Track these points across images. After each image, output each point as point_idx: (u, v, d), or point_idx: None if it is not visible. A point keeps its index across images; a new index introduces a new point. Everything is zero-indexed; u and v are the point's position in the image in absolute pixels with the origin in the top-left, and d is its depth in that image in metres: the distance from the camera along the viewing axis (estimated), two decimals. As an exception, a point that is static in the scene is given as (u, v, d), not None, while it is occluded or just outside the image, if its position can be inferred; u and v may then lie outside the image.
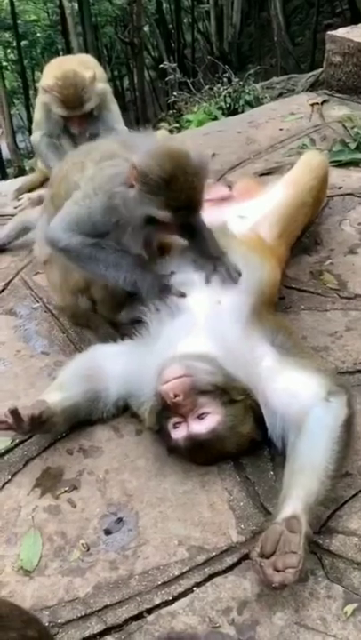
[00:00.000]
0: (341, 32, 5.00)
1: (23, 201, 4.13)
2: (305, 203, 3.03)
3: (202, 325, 2.39)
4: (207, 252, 2.53)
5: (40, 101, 3.93)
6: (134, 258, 2.53)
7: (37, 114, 4.00)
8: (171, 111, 9.99)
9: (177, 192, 2.22)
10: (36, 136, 3.98)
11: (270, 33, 19.43)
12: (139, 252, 2.56)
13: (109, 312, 2.76)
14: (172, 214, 2.27)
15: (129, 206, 2.32)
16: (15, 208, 4.09)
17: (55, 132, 3.90)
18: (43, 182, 4.28)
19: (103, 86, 3.92)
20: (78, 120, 3.75)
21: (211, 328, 2.38)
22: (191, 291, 2.49)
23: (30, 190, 4.27)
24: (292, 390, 2.15)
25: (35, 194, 4.14)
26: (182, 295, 2.45)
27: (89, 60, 4.13)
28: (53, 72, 3.74)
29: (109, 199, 2.36)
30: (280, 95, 8.58)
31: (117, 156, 2.43)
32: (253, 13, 22.22)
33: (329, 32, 5.10)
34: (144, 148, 2.30)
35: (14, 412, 2.15)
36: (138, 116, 21.74)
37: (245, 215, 2.92)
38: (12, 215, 3.95)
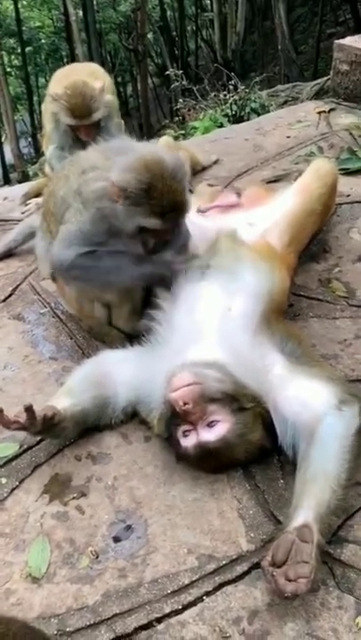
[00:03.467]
0: (349, 41, 5.02)
1: (30, 206, 4.13)
2: (314, 210, 3.02)
3: (212, 332, 2.38)
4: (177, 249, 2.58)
5: (49, 111, 3.93)
6: (130, 255, 2.55)
7: (47, 125, 4.00)
8: (176, 118, 10.03)
9: (158, 198, 2.29)
10: (50, 149, 3.98)
11: (273, 41, 19.54)
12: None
13: (125, 322, 2.74)
14: (160, 220, 2.34)
15: (120, 220, 2.38)
16: (22, 213, 4.10)
17: (67, 143, 3.90)
18: (49, 187, 4.27)
19: (112, 98, 3.93)
20: (86, 129, 3.75)
21: (221, 335, 2.37)
22: (201, 298, 2.48)
23: (37, 195, 4.26)
24: (303, 398, 2.14)
25: (42, 199, 4.14)
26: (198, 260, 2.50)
27: (98, 69, 4.14)
28: (62, 81, 3.74)
29: (98, 212, 2.42)
30: (285, 103, 8.62)
31: (98, 168, 2.46)
32: (257, 22, 22.35)
33: (337, 41, 5.12)
34: (121, 163, 2.35)
35: (29, 410, 2.14)
36: (141, 123, 21.84)
37: (255, 222, 2.92)
38: (20, 220, 3.95)
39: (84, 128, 3.75)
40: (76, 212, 2.50)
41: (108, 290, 2.67)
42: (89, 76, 3.81)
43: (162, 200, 2.29)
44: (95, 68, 4.27)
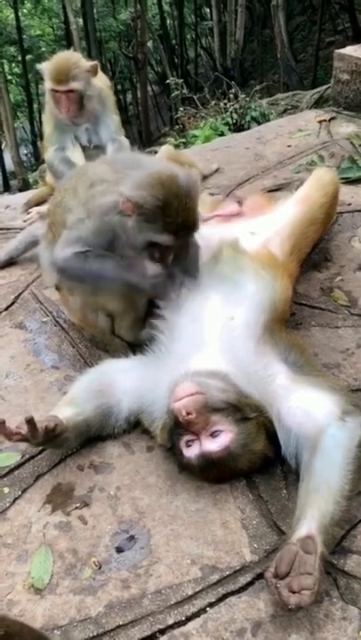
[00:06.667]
0: (349, 50, 5.05)
1: (32, 214, 4.14)
2: (316, 219, 3.03)
3: (214, 341, 2.39)
4: (182, 268, 2.56)
5: (48, 110, 3.97)
6: (122, 259, 2.52)
7: (47, 127, 4.04)
8: (176, 126, 10.06)
9: (173, 216, 2.29)
10: (50, 152, 4.00)
11: (273, 50, 19.66)
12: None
13: (127, 332, 2.74)
14: (172, 237, 2.34)
15: (129, 234, 2.38)
16: (24, 221, 4.11)
17: (66, 143, 3.92)
18: (51, 196, 4.29)
19: (104, 87, 3.97)
20: (65, 100, 3.76)
21: (223, 344, 2.37)
22: (204, 307, 2.49)
23: (39, 204, 4.29)
24: (306, 409, 2.14)
25: (44, 207, 4.15)
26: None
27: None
28: None
29: (104, 224, 2.41)
30: (285, 111, 8.66)
31: (106, 181, 2.46)
32: (256, 30, 22.48)
33: (337, 50, 5.15)
34: (133, 177, 2.34)
35: (30, 422, 2.14)
36: (140, 131, 21.92)
37: (256, 231, 2.92)
38: (22, 228, 3.96)
39: (64, 99, 3.76)
40: (78, 221, 2.50)
41: (99, 291, 2.64)
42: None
43: (177, 218, 2.29)
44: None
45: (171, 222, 2.30)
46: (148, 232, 2.33)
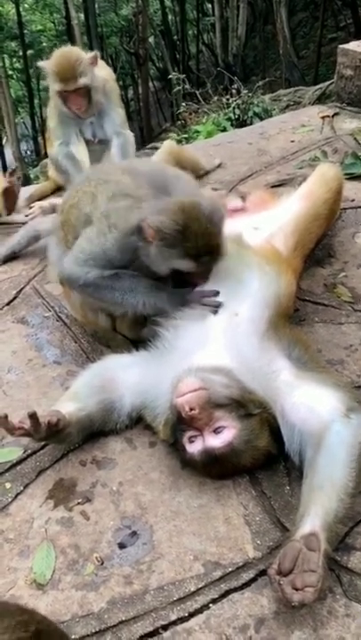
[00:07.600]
0: (353, 46, 5.03)
1: (34, 209, 4.13)
2: (319, 215, 3.01)
3: (218, 337, 2.38)
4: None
5: (52, 105, 3.95)
6: (148, 281, 2.55)
7: (51, 121, 4.02)
8: (178, 122, 10.04)
9: (193, 240, 2.28)
10: (54, 146, 3.98)
11: (274, 45, 19.63)
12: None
13: (129, 329, 2.74)
14: (194, 263, 2.33)
15: (152, 261, 2.37)
16: (26, 216, 4.09)
17: (70, 137, 3.91)
18: (54, 190, 4.31)
19: (108, 78, 3.96)
20: (75, 98, 3.74)
21: (227, 340, 2.36)
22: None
23: (41, 198, 4.28)
24: (310, 405, 2.13)
25: (46, 202, 4.15)
26: (215, 293, 2.47)
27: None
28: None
29: (129, 244, 2.40)
30: (287, 107, 8.64)
31: (130, 197, 2.44)
32: (258, 26, 22.43)
33: (341, 45, 5.13)
34: (156, 202, 2.34)
35: (33, 416, 2.13)
36: (142, 126, 21.88)
37: (260, 227, 2.91)
38: (24, 223, 3.95)
39: (74, 97, 3.74)
40: (100, 234, 2.47)
41: (116, 310, 2.65)
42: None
43: (197, 242, 2.28)
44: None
45: (191, 247, 2.28)
46: (170, 259, 2.33)
